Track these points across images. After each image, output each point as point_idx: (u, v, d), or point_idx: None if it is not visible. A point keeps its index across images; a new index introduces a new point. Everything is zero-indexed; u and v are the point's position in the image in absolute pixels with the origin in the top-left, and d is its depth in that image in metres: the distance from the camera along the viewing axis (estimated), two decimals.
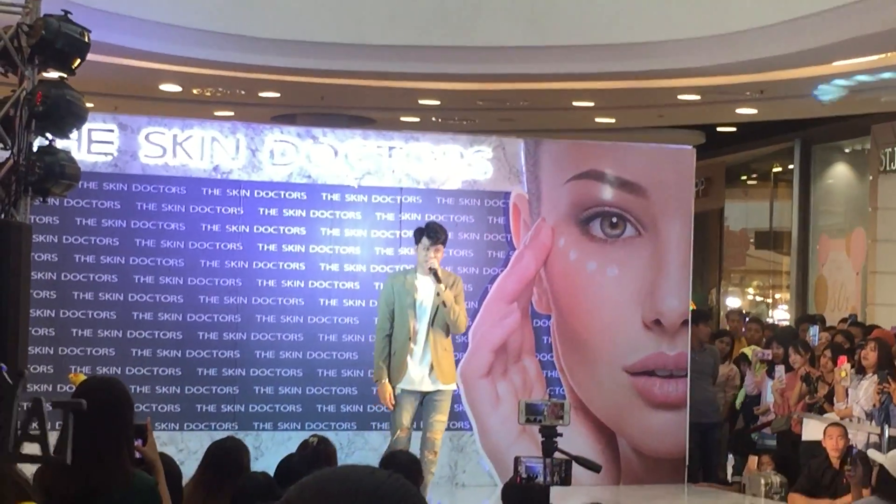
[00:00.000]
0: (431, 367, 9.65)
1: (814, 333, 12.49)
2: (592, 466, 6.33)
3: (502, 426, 11.25)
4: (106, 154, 10.84)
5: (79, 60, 7.31)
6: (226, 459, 5.91)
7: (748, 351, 13.09)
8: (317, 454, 6.58)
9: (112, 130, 10.89)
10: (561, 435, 6.15)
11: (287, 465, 6.37)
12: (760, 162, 21.49)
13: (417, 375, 9.66)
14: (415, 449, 9.29)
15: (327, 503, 1.40)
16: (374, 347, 9.86)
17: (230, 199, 11.08)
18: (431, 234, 9.72)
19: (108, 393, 4.84)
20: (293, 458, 6.58)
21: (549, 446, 6.03)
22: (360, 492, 1.41)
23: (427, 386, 9.69)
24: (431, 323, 9.67)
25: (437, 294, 9.62)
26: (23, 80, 7.19)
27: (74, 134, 8.35)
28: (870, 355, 10.73)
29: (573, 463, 6.04)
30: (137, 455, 4.88)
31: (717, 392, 12.83)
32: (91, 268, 10.72)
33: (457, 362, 10.40)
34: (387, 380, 9.63)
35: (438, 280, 9.66)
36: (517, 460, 6.01)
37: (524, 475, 5.91)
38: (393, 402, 9.67)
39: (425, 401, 9.71)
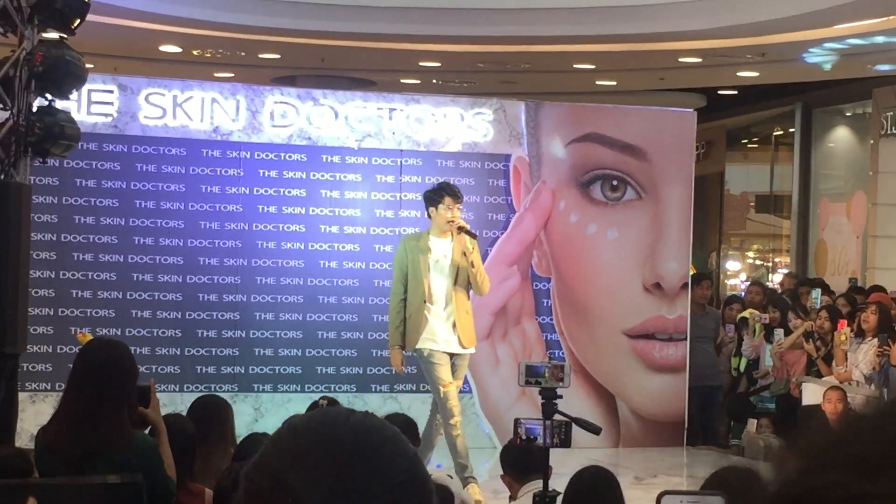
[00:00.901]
0: (454, 327, 9.19)
1: (815, 296, 12.45)
2: (592, 429, 6.33)
3: (502, 388, 11.27)
4: (106, 115, 10.82)
5: (79, 20, 7.29)
6: (202, 413, 5.92)
7: (747, 314, 13.08)
8: None
9: (112, 91, 10.86)
10: (561, 397, 6.14)
11: None
12: (761, 125, 21.41)
13: (443, 336, 9.17)
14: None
15: (306, 457, 1.33)
16: (389, 312, 9.46)
17: (230, 160, 11.05)
18: (452, 192, 9.23)
19: (109, 355, 4.86)
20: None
21: (549, 408, 6.01)
22: (340, 442, 1.34)
23: (454, 347, 9.21)
24: (455, 283, 9.20)
25: (464, 254, 9.15)
26: (22, 41, 7.17)
27: (74, 95, 8.33)
28: (870, 318, 10.75)
29: (573, 425, 6.04)
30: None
31: (718, 355, 12.83)
32: (91, 229, 10.70)
33: None
34: (398, 347, 9.26)
35: (474, 236, 9.26)
36: (517, 422, 6.00)
37: (524, 437, 5.90)
38: (403, 368, 9.40)
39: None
